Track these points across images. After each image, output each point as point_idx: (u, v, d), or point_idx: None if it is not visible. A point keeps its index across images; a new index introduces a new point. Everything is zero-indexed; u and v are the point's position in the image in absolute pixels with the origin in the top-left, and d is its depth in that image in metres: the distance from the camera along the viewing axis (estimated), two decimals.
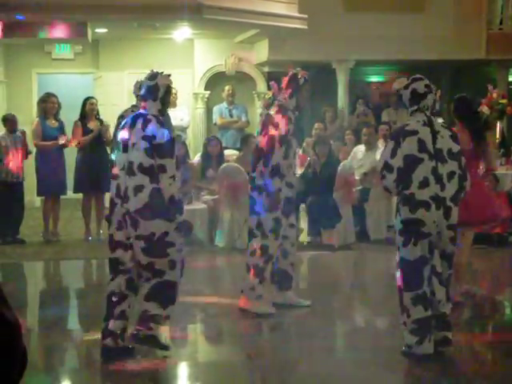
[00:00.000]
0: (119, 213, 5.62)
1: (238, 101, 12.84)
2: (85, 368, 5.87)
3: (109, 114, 11.87)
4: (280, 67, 13.26)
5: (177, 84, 13.10)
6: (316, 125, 11.80)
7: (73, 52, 14.11)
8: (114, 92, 13.46)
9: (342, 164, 10.49)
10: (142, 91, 5.74)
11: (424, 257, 5.50)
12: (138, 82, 6.07)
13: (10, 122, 10.46)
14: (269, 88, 12.31)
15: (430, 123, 5.63)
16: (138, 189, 5.48)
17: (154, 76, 5.78)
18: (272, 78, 12.70)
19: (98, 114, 10.88)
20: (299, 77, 6.88)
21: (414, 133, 5.58)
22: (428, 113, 5.69)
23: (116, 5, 10.71)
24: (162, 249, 5.52)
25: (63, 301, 8.01)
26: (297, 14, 12.39)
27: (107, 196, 11.01)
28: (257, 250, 6.71)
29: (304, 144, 11.74)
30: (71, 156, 11.00)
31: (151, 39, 13.36)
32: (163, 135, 5.52)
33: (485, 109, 9.72)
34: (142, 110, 5.72)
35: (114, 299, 5.67)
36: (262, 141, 6.73)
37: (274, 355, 5.97)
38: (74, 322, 7.24)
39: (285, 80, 6.95)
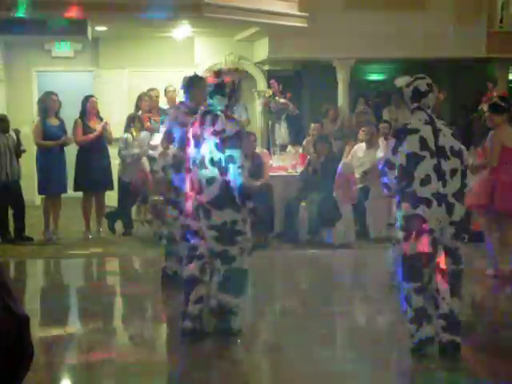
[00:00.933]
0: (193, 204, 6.01)
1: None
2: (84, 366, 5.86)
3: (109, 112, 11.88)
4: (280, 65, 13.29)
5: (177, 82, 13.16)
6: (312, 125, 11.75)
7: (73, 50, 14.09)
8: (114, 90, 13.44)
9: (342, 162, 10.49)
10: (210, 88, 6.06)
11: (427, 253, 5.54)
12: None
13: (2, 122, 10.42)
14: (269, 86, 12.34)
15: (431, 121, 5.69)
16: (210, 181, 5.90)
17: (219, 73, 6.18)
18: (272, 76, 12.74)
19: (98, 112, 10.87)
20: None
21: (416, 131, 5.64)
22: (429, 111, 5.75)
23: (116, 3, 10.68)
24: (232, 237, 5.93)
25: (63, 298, 8.01)
26: (297, 12, 12.39)
27: (107, 194, 11.10)
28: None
29: (304, 142, 11.75)
30: (71, 154, 10.97)
31: (151, 37, 13.34)
32: (232, 129, 5.88)
33: (485, 107, 9.71)
34: (210, 107, 6.06)
35: (190, 284, 6.05)
36: None
37: (275, 353, 5.97)
38: (74, 319, 7.22)
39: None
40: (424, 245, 5.52)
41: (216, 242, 5.96)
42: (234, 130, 5.89)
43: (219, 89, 6.02)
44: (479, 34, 13.15)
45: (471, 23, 13.02)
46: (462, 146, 5.75)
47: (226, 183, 5.86)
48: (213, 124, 5.92)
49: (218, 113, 5.96)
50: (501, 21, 13.64)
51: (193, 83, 7.09)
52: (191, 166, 6.06)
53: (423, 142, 5.59)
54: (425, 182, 5.54)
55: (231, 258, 5.98)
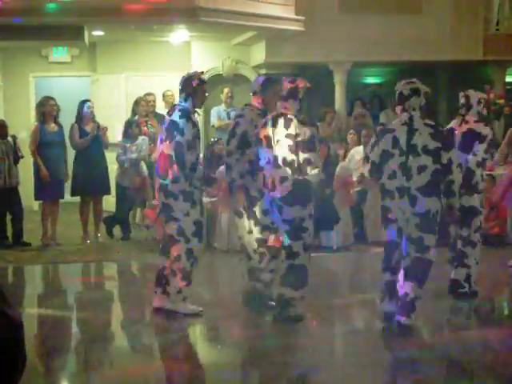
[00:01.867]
0: (266, 200, 6.59)
1: (235, 103, 12.83)
2: (82, 371, 5.86)
3: (106, 116, 11.89)
4: (277, 69, 13.28)
5: (174, 86, 13.16)
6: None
7: (70, 55, 14.10)
8: (112, 95, 13.44)
9: (339, 165, 10.51)
10: (284, 92, 6.55)
11: (394, 241, 6.26)
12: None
13: (0, 127, 10.41)
14: None
15: (410, 122, 6.25)
16: (283, 180, 6.40)
17: (293, 79, 6.63)
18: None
19: (94, 116, 10.87)
20: (193, 78, 6.88)
21: (391, 131, 6.31)
22: (414, 113, 6.27)
23: (113, 8, 10.69)
24: (298, 233, 6.46)
25: (62, 304, 8.00)
26: (293, 16, 12.40)
27: (105, 199, 11.09)
28: (182, 255, 6.76)
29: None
30: (69, 159, 10.96)
31: (148, 42, 13.35)
32: (305, 133, 6.40)
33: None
34: (282, 110, 6.53)
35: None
36: (169, 147, 6.71)
37: (272, 355, 5.97)
38: (73, 325, 7.22)
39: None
40: (389, 233, 6.29)
41: (287, 235, 6.49)
42: (308, 135, 6.39)
43: (293, 93, 6.54)
44: (476, 37, 13.17)
45: (468, 26, 13.04)
46: (440, 146, 6.14)
47: (297, 182, 6.36)
48: (286, 127, 6.43)
49: (292, 117, 6.46)
50: (497, 23, 13.67)
51: (267, 86, 7.05)
52: (264, 165, 6.51)
53: (395, 141, 6.23)
54: (391, 176, 6.21)
55: (295, 254, 6.49)
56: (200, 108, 7.19)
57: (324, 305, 7.33)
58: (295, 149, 6.38)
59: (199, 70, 7.18)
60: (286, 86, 6.58)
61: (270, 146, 6.50)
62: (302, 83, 6.58)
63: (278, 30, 12.24)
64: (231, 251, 9.90)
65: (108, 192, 10.99)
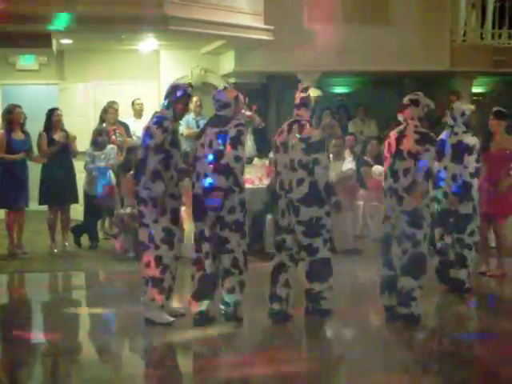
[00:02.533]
0: (283, 202, 6.95)
1: (205, 112, 12.82)
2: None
3: (74, 125, 11.82)
4: (246, 78, 13.31)
5: (142, 95, 13.14)
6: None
7: (37, 63, 14.01)
8: (80, 103, 13.38)
9: None
10: (298, 101, 7.10)
11: (390, 236, 7.00)
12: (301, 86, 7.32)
13: None
14: None
15: (403, 129, 7.01)
16: (300, 182, 6.80)
17: (306, 89, 7.18)
18: (238, 89, 12.74)
19: (62, 125, 10.81)
20: (178, 88, 6.99)
21: (388, 137, 7.19)
22: (411, 122, 7.00)
23: (81, 16, 10.64)
24: (317, 231, 6.85)
25: (28, 313, 7.94)
26: (263, 26, 12.43)
27: (73, 208, 11.02)
28: (151, 262, 6.78)
29: (270, 155, 11.75)
30: (37, 167, 10.89)
31: (117, 50, 13.31)
32: (317, 136, 6.89)
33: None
34: (296, 117, 7.06)
35: (279, 270, 6.98)
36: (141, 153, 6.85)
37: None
38: (37, 335, 7.15)
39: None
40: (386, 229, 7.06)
41: (303, 236, 6.85)
42: (319, 137, 6.89)
43: (305, 102, 7.08)
44: (443, 48, 13.30)
45: (435, 37, 13.16)
46: (421, 149, 6.83)
47: (313, 183, 6.79)
48: (300, 132, 6.90)
49: (304, 122, 6.95)
50: (464, 34, 13.81)
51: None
52: (282, 170, 6.94)
53: (389, 147, 7.09)
54: (385, 177, 7.08)
55: (315, 250, 6.89)
56: (180, 119, 7.26)
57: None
58: (308, 151, 6.83)
59: (186, 82, 7.23)
60: (300, 95, 7.11)
61: (286, 151, 6.95)
62: (312, 93, 7.13)
63: (247, 39, 12.26)
64: None
65: (76, 201, 10.93)
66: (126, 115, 12.59)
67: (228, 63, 13.37)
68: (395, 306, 6.98)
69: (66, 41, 12.42)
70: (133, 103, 12.80)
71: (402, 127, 7.06)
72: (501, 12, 13.79)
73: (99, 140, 10.97)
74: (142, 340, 6.73)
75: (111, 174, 11.06)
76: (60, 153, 10.57)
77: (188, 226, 10.12)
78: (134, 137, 12.48)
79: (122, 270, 9.58)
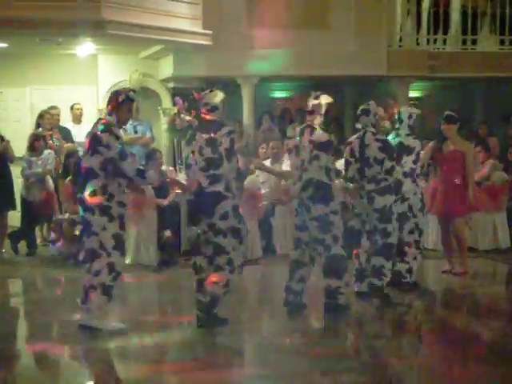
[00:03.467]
0: (295, 201, 7.50)
1: (143, 116, 12.78)
2: None
3: (10, 130, 11.65)
4: (185, 83, 13.28)
5: (81, 100, 13.02)
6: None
7: None
8: (16, 108, 13.19)
9: (247, 179, 10.56)
10: (310, 107, 7.49)
11: (359, 229, 8.07)
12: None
13: None
14: (174, 104, 12.32)
15: (362, 136, 7.95)
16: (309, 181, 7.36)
17: (318, 96, 7.52)
18: (177, 93, 12.71)
19: None
20: (120, 94, 6.96)
21: (349, 143, 8.12)
22: (367, 129, 7.96)
23: (16, 19, 10.50)
24: (326, 227, 7.27)
25: None
26: (201, 30, 12.42)
27: (10, 214, 10.85)
28: (103, 269, 6.74)
29: None
30: None
31: (54, 54, 13.14)
32: (324, 137, 7.35)
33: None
34: (309, 122, 7.49)
35: (295, 266, 7.52)
36: (92, 160, 6.71)
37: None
38: None
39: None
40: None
41: (317, 231, 7.31)
42: (325, 138, 7.35)
43: (317, 108, 7.46)
44: (380, 53, 13.45)
45: (372, 42, 13.31)
46: (385, 156, 7.84)
47: (321, 182, 7.29)
48: (310, 134, 7.38)
49: (316, 126, 7.41)
50: (400, 40, 14.01)
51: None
52: (295, 171, 7.49)
53: (352, 152, 8.02)
54: (352, 180, 8.02)
55: (328, 246, 7.31)
56: (124, 125, 7.19)
57: (233, 318, 7.33)
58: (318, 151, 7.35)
59: (127, 87, 7.20)
60: (312, 102, 7.50)
61: (298, 154, 7.46)
62: (322, 100, 7.49)
63: (186, 43, 12.24)
64: (139, 265, 9.88)
65: (13, 207, 10.78)
66: (64, 120, 12.46)
67: (167, 68, 13.33)
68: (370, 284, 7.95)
69: (1, 45, 12.23)
70: (72, 108, 12.69)
71: (360, 134, 7.98)
72: (435, 18, 14.04)
73: (35, 145, 10.83)
74: (80, 347, 6.66)
75: (49, 180, 10.94)
76: None
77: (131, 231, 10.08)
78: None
79: (60, 277, 9.48)
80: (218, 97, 6.94)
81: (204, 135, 6.79)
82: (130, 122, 12.66)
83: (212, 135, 6.75)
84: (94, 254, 6.77)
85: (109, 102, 6.96)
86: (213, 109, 6.89)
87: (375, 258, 7.93)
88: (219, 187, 6.70)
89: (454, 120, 9.20)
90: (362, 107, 8.12)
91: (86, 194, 6.71)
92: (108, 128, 6.73)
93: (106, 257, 6.74)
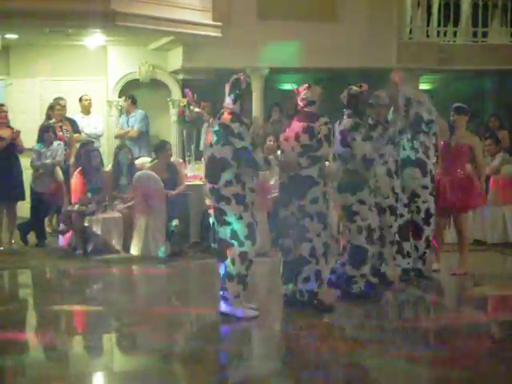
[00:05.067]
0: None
1: (153, 108, 12.81)
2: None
3: (19, 121, 11.66)
4: (194, 75, 13.28)
5: (90, 91, 13.04)
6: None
7: None
8: (26, 99, 13.21)
9: None
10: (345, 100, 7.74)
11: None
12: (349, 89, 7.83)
13: None
14: (183, 95, 12.32)
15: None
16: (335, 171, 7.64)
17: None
18: (186, 85, 12.72)
19: (8, 121, 10.69)
20: (241, 81, 6.98)
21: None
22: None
23: (26, 10, 10.50)
24: (350, 216, 7.48)
25: None
26: (211, 22, 12.42)
27: (19, 205, 10.87)
28: (236, 258, 6.80)
29: None
30: None
31: (64, 46, 13.16)
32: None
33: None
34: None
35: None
36: (224, 150, 6.75)
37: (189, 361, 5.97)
38: None
39: (227, 86, 7.02)
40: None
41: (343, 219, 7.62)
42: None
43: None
44: (389, 45, 13.43)
45: (381, 34, 13.28)
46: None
47: (351, 172, 7.49)
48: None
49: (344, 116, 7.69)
50: (410, 32, 13.97)
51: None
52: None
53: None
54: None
55: (352, 236, 7.50)
56: (248, 114, 7.37)
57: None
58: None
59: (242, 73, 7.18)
60: (345, 94, 7.74)
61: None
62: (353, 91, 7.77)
63: (196, 35, 12.24)
64: (148, 257, 9.90)
65: (22, 198, 10.79)
66: (73, 111, 12.48)
67: (176, 59, 13.33)
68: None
69: (11, 36, 12.25)
70: (80, 99, 12.72)
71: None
72: (446, 10, 13.99)
73: (45, 137, 10.85)
74: (89, 337, 6.68)
75: (59, 171, 10.96)
76: (6, 149, 10.44)
77: (140, 222, 10.10)
78: (82, 133, 12.41)
79: (69, 268, 9.51)
80: (315, 92, 7.33)
81: (302, 123, 7.20)
82: (125, 114, 12.84)
83: (310, 124, 7.14)
84: (227, 242, 6.84)
85: (231, 91, 6.93)
86: (310, 103, 7.28)
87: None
88: (313, 173, 7.10)
89: (464, 111, 9.10)
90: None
91: (221, 183, 6.75)
92: (237, 118, 6.77)
93: (238, 246, 6.79)
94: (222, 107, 6.99)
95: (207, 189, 6.95)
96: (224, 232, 6.87)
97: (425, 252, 8.61)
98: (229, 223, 6.81)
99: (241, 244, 6.81)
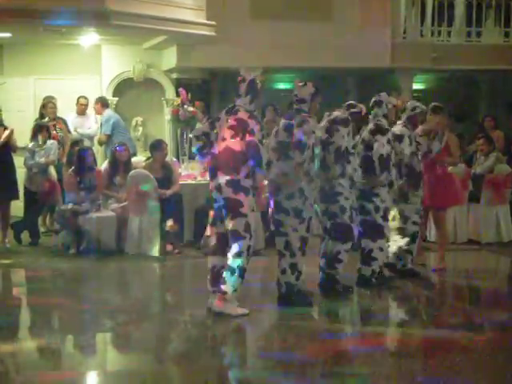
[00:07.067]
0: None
1: (146, 106, 12.78)
2: None
3: (13, 120, 11.64)
4: (188, 74, 13.28)
5: (84, 90, 13.02)
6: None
7: None
8: (20, 98, 13.19)
9: None
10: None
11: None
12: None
13: None
14: (177, 94, 12.32)
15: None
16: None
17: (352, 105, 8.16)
18: (180, 84, 12.72)
19: (2, 120, 10.67)
20: (258, 82, 7.19)
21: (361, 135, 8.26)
22: (380, 119, 8.23)
23: (20, 9, 10.49)
24: (332, 197, 7.61)
25: None
26: (205, 21, 12.42)
27: (13, 204, 10.85)
28: (244, 252, 6.90)
29: None
30: None
31: (58, 44, 13.13)
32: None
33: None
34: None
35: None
36: (240, 144, 6.84)
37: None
38: None
39: (242, 86, 7.17)
40: None
41: (320, 202, 7.63)
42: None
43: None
44: (384, 45, 13.44)
45: (376, 34, 13.30)
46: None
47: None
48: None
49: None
50: (404, 31, 13.99)
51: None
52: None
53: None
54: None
55: (333, 214, 7.62)
56: (258, 109, 7.63)
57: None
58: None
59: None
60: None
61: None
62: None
63: (189, 34, 12.24)
64: (141, 256, 9.90)
65: (16, 197, 10.77)
66: (67, 110, 12.46)
67: (170, 58, 13.33)
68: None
69: (4, 34, 12.23)
70: (77, 101, 12.66)
71: (371, 126, 8.10)
72: (440, 10, 14.02)
73: (38, 135, 10.82)
74: (82, 336, 6.68)
75: (52, 170, 10.94)
76: None
77: (134, 221, 10.10)
78: (74, 132, 12.37)
79: (63, 267, 9.50)
80: (306, 91, 7.39)
81: (283, 121, 7.39)
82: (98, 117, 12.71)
83: (290, 122, 7.25)
84: (237, 235, 6.91)
85: (249, 91, 7.10)
86: (300, 101, 7.38)
87: (365, 240, 8.13)
88: (288, 169, 7.29)
89: (440, 111, 9.15)
90: (374, 99, 8.27)
91: (242, 175, 6.90)
92: (253, 116, 6.97)
93: (249, 239, 6.90)
94: (234, 105, 7.10)
95: (222, 181, 6.94)
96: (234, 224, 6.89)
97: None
98: (245, 215, 6.92)
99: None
